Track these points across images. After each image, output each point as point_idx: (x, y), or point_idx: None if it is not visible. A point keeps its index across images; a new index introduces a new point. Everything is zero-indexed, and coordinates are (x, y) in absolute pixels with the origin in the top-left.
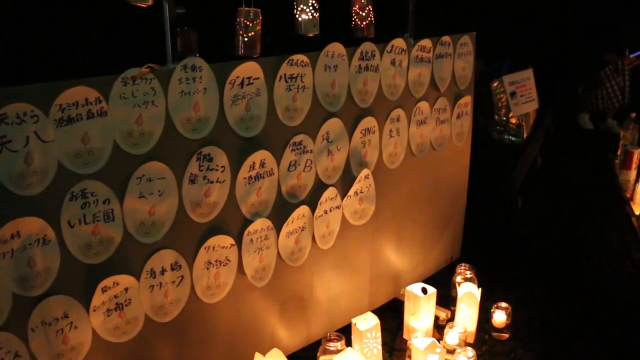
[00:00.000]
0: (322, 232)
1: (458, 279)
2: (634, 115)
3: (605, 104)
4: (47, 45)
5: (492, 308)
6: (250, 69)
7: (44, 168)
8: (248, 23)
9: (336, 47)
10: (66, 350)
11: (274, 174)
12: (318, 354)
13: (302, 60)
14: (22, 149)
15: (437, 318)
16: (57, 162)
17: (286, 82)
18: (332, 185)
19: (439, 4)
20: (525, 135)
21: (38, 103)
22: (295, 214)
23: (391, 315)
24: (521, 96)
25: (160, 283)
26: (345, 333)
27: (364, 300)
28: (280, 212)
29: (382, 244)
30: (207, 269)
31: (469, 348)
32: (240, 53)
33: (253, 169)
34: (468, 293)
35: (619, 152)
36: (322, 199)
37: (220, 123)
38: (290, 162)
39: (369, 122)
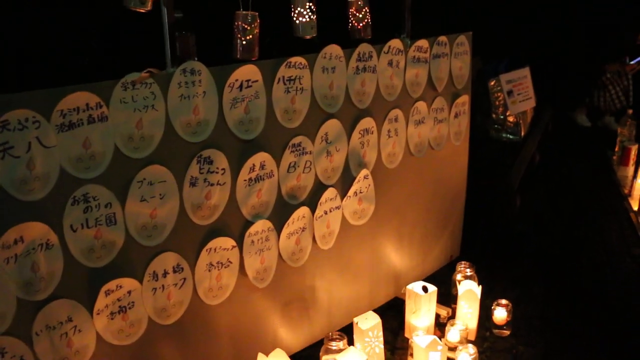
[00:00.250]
0: (322, 233)
1: (458, 277)
2: (631, 111)
3: (607, 106)
4: (46, 49)
5: (492, 305)
6: (248, 71)
7: (46, 173)
8: (246, 26)
9: (333, 49)
10: (71, 353)
11: (273, 175)
12: (320, 353)
13: (300, 63)
14: (24, 155)
15: (438, 316)
16: (59, 167)
17: (284, 84)
18: (331, 186)
19: (437, 4)
20: (523, 133)
21: (39, 109)
22: (295, 215)
23: (392, 314)
24: (518, 94)
25: (163, 285)
26: (347, 332)
27: (365, 299)
28: (280, 213)
29: (382, 244)
30: (209, 270)
31: (470, 345)
32: (238, 56)
33: (253, 171)
34: (468, 291)
35: (616, 149)
36: (322, 199)
37: (219, 126)
38: (290, 163)
39: (367, 122)
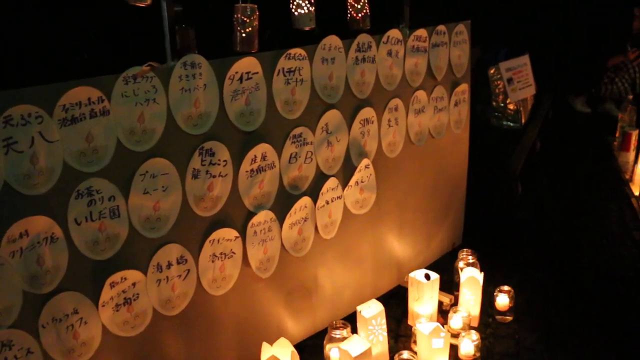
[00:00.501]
0: (324, 222)
1: (460, 264)
2: (631, 97)
3: (614, 97)
4: (46, 45)
5: (495, 292)
6: (248, 64)
7: (50, 167)
8: (245, 19)
9: (333, 40)
10: (77, 345)
11: (275, 166)
12: (324, 342)
13: (300, 54)
14: (27, 150)
15: (440, 303)
16: (62, 162)
17: (284, 75)
18: (333, 176)
19: None
20: (523, 121)
21: (42, 104)
22: (297, 205)
23: (396, 302)
24: (518, 82)
25: (167, 277)
26: (351, 321)
27: (368, 288)
28: (282, 203)
29: (384, 232)
30: (213, 261)
31: (473, 331)
32: (238, 49)
33: (254, 162)
34: (471, 278)
35: (617, 134)
36: (324, 189)
37: (221, 118)
38: (291, 154)
39: (367, 112)
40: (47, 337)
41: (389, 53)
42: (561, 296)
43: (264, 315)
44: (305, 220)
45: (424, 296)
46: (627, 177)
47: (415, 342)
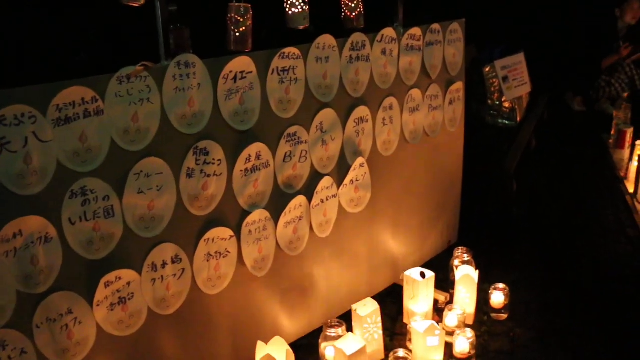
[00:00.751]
0: (319, 221)
1: (456, 262)
2: (626, 95)
3: (614, 97)
4: (41, 44)
5: (490, 289)
6: (242, 63)
7: (43, 167)
8: (239, 18)
9: (327, 39)
10: (71, 345)
11: (269, 165)
12: (320, 340)
13: (294, 53)
14: (21, 150)
15: (436, 301)
16: (56, 161)
17: (279, 75)
18: (327, 175)
19: None
20: (519, 119)
21: (35, 104)
22: (292, 204)
23: (391, 301)
24: (513, 80)
25: (162, 276)
26: (346, 319)
27: (364, 286)
28: (277, 202)
29: (379, 231)
30: (208, 261)
31: (467, 329)
32: (232, 48)
33: (249, 162)
34: (466, 276)
35: (612, 132)
36: (319, 188)
37: (215, 117)
38: (286, 153)
39: (362, 111)
40: (41, 337)
41: (383, 52)
42: (556, 294)
43: (259, 314)
44: (300, 219)
45: (419, 294)
46: (622, 174)
47: (410, 340)
